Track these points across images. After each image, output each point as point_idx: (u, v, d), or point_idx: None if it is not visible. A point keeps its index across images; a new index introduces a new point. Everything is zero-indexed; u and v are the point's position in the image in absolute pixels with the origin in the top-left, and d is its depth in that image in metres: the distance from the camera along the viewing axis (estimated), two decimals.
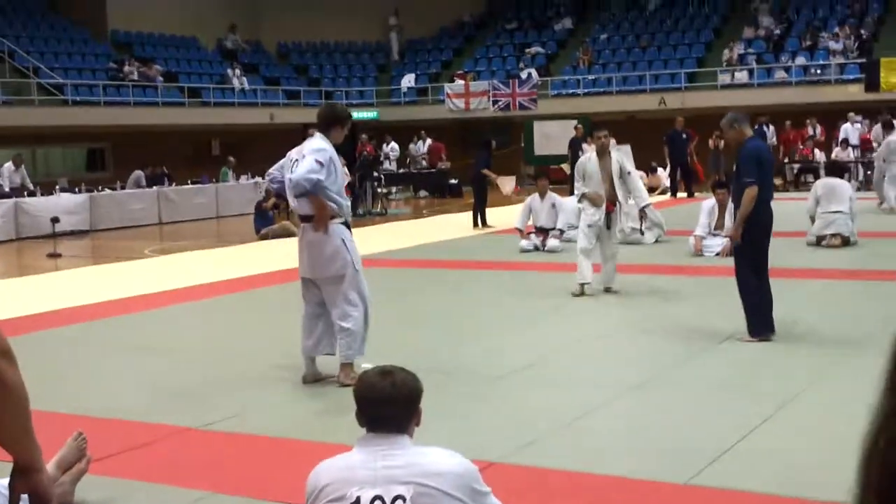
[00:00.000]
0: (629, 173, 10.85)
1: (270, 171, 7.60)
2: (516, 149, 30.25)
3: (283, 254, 14.93)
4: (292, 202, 7.31)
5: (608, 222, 10.75)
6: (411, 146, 31.21)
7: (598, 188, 10.66)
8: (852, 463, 1.14)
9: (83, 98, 27.52)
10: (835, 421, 5.91)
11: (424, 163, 30.70)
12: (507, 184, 19.08)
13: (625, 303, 10.43)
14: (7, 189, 21.60)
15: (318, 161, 6.94)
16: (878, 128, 23.12)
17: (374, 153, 27.00)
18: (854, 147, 25.81)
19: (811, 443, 5.64)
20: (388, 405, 3.22)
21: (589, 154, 11.09)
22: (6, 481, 2.52)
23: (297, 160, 7.13)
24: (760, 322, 8.21)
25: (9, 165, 22.48)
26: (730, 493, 4.90)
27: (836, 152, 25.31)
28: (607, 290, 10.85)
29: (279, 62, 36.88)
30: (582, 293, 10.77)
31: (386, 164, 29.46)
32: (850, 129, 26.26)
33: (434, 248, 16.14)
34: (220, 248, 17.39)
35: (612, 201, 10.71)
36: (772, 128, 27.28)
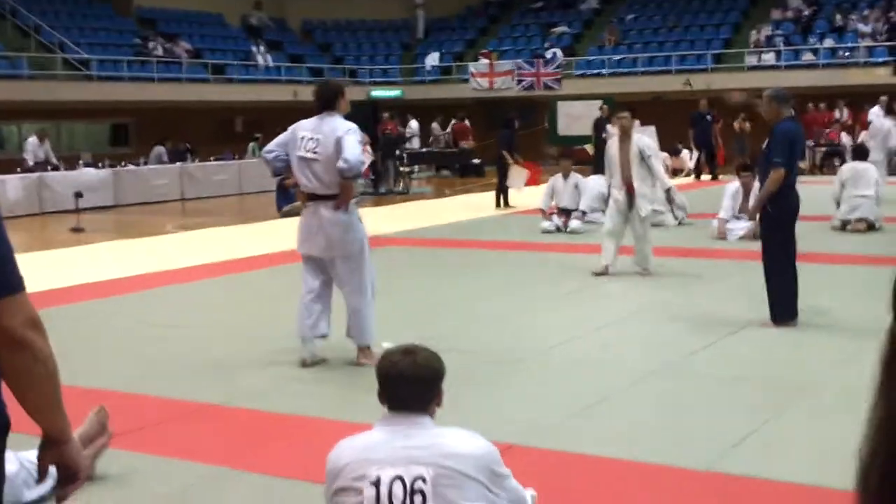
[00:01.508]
0: (649, 156, 10.78)
1: (270, 147, 7.39)
2: (540, 129, 30.13)
3: None
4: (303, 180, 7.10)
5: (630, 202, 10.70)
6: (433, 125, 31.14)
7: (618, 170, 10.65)
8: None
9: (108, 74, 27.58)
10: (857, 408, 5.87)
11: (443, 142, 30.66)
12: (518, 177, 18.38)
13: (647, 286, 10.39)
14: (31, 163, 21.71)
15: (359, 142, 6.99)
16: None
17: (397, 131, 26.95)
18: None
19: (832, 430, 5.59)
20: (410, 384, 3.21)
21: (613, 138, 11.05)
22: (34, 454, 2.53)
23: (315, 139, 6.97)
24: (783, 308, 8.15)
25: (33, 140, 22.59)
26: (750, 479, 4.88)
27: (863, 136, 25.10)
28: (644, 270, 10.80)
29: (303, 40, 36.84)
30: (603, 273, 10.74)
31: (408, 143, 29.43)
32: (878, 113, 26.01)
33: (456, 227, 16.12)
34: (242, 225, 17.42)
35: (631, 183, 10.65)
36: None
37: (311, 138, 7.03)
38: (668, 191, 11.36)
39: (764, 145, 8.31)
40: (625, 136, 10.74)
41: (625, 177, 10.62)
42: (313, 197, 7.12)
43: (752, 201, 13.39)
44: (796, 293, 8.19)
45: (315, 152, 6.99)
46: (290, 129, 7.26)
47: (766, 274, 8.21)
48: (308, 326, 7.29)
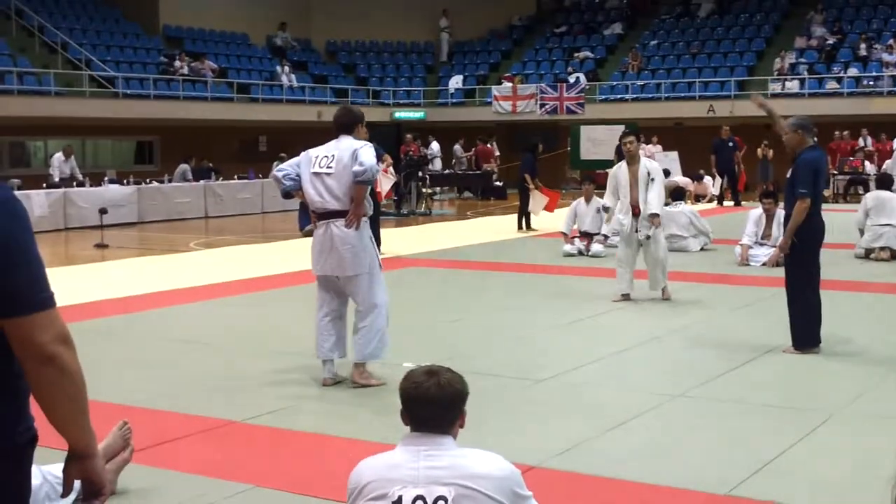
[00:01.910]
0: (653, 180, 10.65)
1: (283, 167, 7.43)
2: (562, 152, 30.15)
3: None
4: (315, 197, 7.12)
5: (637, 227, 10.63)
6: (456, 147, 31.22)
7: (627, 193, 10.61)
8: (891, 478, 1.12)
9: (133, 91, 27.79)
10: (880, 436, 5.84)
11: (466, 164, 30.76)
12: (537, 203, 18.59)
13: (668, 311, 10.37)
14: (56, 179, 21.89)
15: (375, 157, 7.05)
16: None
17: (419, 153, 27.03)
18: None
19: (853, 459, 5.57)
20: (433, 405, 3.21)
21: (620, 163, 11.00)
22: (57, 468, 2.55)
23: (330, 156, 7.04)
24: (806, 334, 8.12)
25: (59, 156, 22.79)
26: None
27: (887, 164, 25.01)
28: (662, 294, 10.74)
29: (328, 60, 37.03)
30: (623, 299, 10.73)
31: (430, 165, 29.50)
32: None
33: (477, 249, 16.14)
34: (265, 244, 17.49)
35: (637, 206, 10.59)
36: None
37: (326, 156, 7.11)
38: (606, 209, 11.37)
39: (788, 174, 8.30)
40: (631, 160, 10.71)
41: (632, 200, 10.59)
42: (324, 216, 7.16)
43: (775, 228, 13.42)
44: (819, 320, 8.15)
45: (329, 167, 7.05)
46: (305, 152, 7.34)
47: (789, 300, 8.18)
48: (327, 349, 7.30)
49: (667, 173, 16.56)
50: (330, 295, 7.34)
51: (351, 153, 6.97)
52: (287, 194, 7.61)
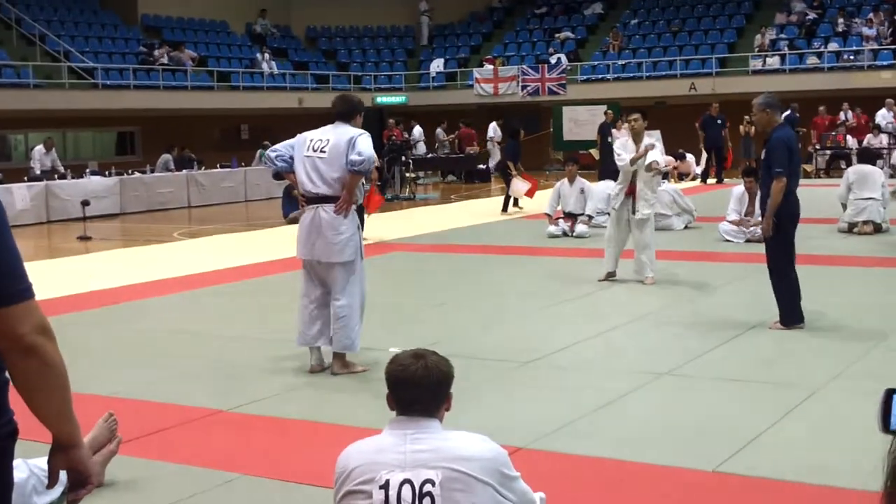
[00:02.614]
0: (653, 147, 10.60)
1: (277, 147, 7.40)
2: (545, 134, 30.16)
3: None
4: (306, 180, 7.09)
5: (633, 208, 10.62)
6: (438, 130, 31.18)
7: (628, 174, 10.57)
8: (879, 453, 1.11)
9: (113, 82, 27.65)
10: (863, 410, 5.87)
11: (448, 148, 30.74)
12: (518, 188, 18.77)
13: (654, 289, 10.38)
14: (38, 172, 21.78)
15: (371, 146, 7.01)
16: None
17: (402, 137, 26.99)
18: (888, 134, 25.59)
19: (839, 432, 5.60)
20: (419, 388, 3.22)
21: (625, 139, 10.86)
22: (44, 461, 2.55)
23: (325, 140, 7.02)
24: (794, 310, 8.17)
25: (40, 148, 22.67)
26: (758, 480, 4.89)
27: (868, 139, 25.10)
28: (645, 279, 10.61)
29: (308, 47, 36.91)
30: (608, 279, 10.74)
31: (413, 150, 29.44)
32: (885, 116, 26.02)
33: (462, 232, 16.14)
34: (249, 232, 17.45)
35: (634, 185, 10.55)
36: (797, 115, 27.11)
37: (321, 139, 7.08)
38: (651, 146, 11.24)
39: (762, 154, 8.36)
40: (636, 139, 10.64)
41: (633, 180, 10.55)
42: (313, 200, 7.12)
43: (757, 206, 13.43)
44: (800, 296, 8.20)
45: (323, 151, 7.02)
46: (299, 135, 7.30)
47: (775, 280, 8.23)
48: (311, 336, 7.27)
49: None
50: (315, 282, 7.30)
51: (347, 140, 6.94)
52: (277, 175, 7.57)
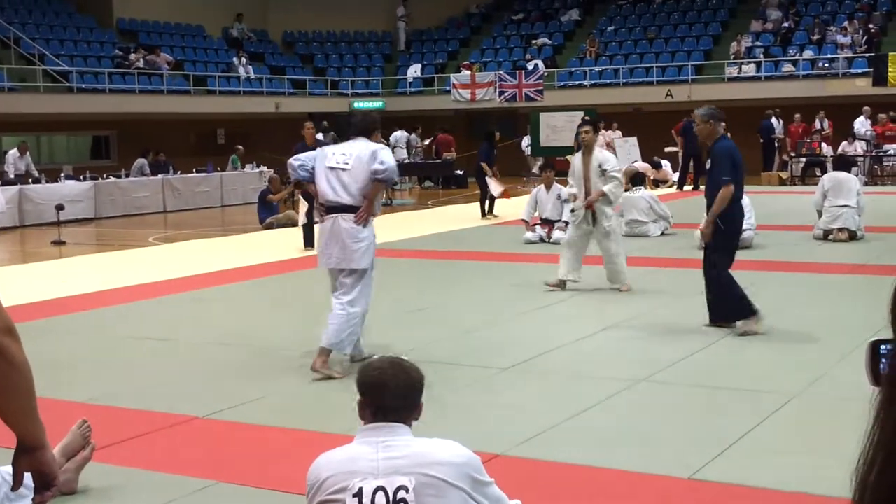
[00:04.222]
0: (605, 171, 10.48)
1: (300, 157, 7.62)
2: (522, 140, 30.17)
3: (287, 243, 14.93)
4: (328, 190, 7.29)
5: (593, 220, 10.57)
6: (412, 136, 31.15)
7: (581, 184, 10.56)
8: (853, 459, 1.10)
9: (88, 85, 27.49)
10: (838, 418, 5.89)
11: (422, 154, 30.73)
12: (496, 189, 18.94)
13: (629, 297, 10.39)
14: (12, 176, 21.63)
15: (392, 157, 7.40)
16: None
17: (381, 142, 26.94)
18: (866, 141, 25.76)
19: (814, 439, 5.62)
20: (391, 396, 3.22)
21: (578, 152, 10.91)
22: (9, 469, 2.51)
23: (348, 153, 7.26)
24: (747, 305, 8.30)
25: (14, 152, 22.53)
26: (734, 487, 4.90)
27: (843, 146, 25.25)
28: (621, 287, 10.55)
29: (285, 51, 36.82)
30: (558, 287, 10.63)
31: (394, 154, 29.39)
32: (864, 123, 26.20)
33: (439, 238, 16.13)
34: (225, 237, 17.39)
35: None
36: (780, 121, 27.22)
37: (343, 153, 7.35)
38: (568, 199, 11.27)
39: (707, 166, 8.58)
40: (587, 150, 10.64)
41: (587, 191, 10.54)
42: (333, 209, 7.31)
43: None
44: (741, 287, 8.35)
45: (346, 163, 7.29)
46: (320, 148, 7.69)
47: (715, 284, 8.42)
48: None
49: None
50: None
51: (371, 153, 7.24)
52: (296, 181, 7.88)
